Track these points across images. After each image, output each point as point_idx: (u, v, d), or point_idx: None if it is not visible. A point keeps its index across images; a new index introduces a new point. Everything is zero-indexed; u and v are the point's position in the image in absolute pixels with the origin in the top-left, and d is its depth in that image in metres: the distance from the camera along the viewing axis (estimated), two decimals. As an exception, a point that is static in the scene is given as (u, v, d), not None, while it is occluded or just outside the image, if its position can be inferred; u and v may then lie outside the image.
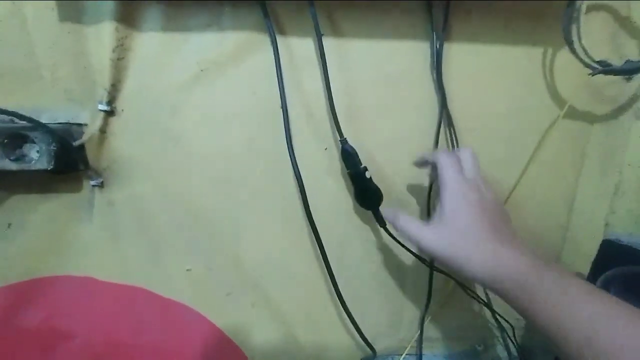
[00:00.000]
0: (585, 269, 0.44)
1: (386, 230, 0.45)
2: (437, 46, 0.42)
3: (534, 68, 0.45)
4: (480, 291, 0.49)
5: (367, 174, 0.42)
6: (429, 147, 0.46)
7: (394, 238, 0.45)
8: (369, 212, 0.45)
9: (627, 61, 0.40)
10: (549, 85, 0.45)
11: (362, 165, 0.42)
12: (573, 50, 0.39)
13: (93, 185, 0.44)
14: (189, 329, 0.49)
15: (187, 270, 0.47)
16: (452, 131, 0.45)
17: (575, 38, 0.39)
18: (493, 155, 0.46)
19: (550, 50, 0.44)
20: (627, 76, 0.43)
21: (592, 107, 0.46)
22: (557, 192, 0.49)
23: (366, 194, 0.42)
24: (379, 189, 0.43)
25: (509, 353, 0.51)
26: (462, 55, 0.44)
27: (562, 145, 0.47)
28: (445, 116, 0.45)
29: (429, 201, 0.46)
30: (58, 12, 0.38)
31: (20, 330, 0.47)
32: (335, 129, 0.42)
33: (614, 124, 0.45)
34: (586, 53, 0.39)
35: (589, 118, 0.46)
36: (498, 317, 0.50)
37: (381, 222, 0.44)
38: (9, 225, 0.44)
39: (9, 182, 0.43)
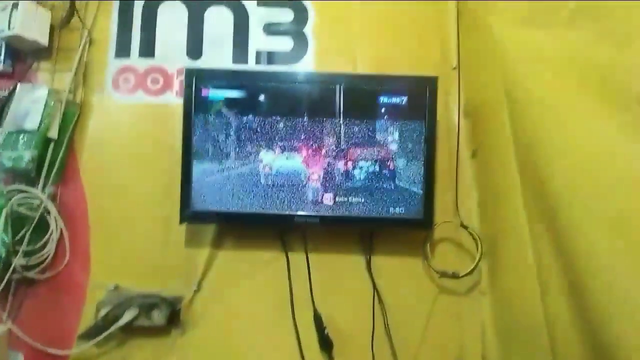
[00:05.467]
0: None
1: None
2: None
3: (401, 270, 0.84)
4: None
5: (325, 331, 0.77)
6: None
7: None
8: None
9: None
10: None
11: (324, 326, 0.78)
12: (429, 263, 0.81)
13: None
14: None
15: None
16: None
17: (429, 254, 0.81)
18: None
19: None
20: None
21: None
22: None
23: (323, 341, 0.77)
24: (331, 341, 0.77)
25: None
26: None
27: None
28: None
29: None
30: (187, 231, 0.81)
31: None
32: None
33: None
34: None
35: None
36: None
37: None
38: None
39: (139, 333, 0.77)
